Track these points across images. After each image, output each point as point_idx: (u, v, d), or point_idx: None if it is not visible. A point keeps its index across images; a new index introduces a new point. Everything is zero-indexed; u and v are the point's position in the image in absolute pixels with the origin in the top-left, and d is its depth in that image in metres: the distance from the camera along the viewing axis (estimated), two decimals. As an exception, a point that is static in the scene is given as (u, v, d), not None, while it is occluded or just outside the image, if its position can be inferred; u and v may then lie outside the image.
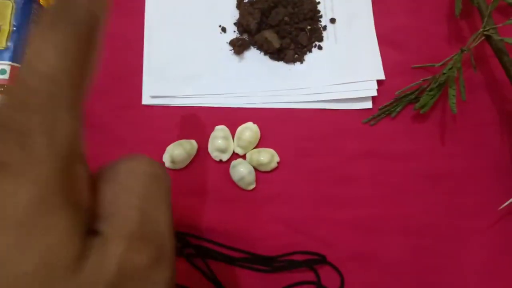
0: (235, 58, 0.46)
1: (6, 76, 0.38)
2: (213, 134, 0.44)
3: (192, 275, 0.40)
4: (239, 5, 0.47)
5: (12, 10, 0.40)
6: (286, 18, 0.46)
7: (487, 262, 0.42)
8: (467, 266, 0.42)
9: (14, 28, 0.39)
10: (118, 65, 0.45)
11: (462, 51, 0.42)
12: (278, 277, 0.40)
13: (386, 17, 0.48)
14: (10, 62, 0.38)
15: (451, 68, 0.42)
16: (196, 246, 0.40)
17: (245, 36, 0.46)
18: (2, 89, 0.38)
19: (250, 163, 0.43)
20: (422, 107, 0.43)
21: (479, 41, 0.43)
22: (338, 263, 0.41)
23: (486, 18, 0.43)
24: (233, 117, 0.44)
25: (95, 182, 0.21)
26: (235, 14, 0.47)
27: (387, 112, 0.45)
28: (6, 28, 0.39)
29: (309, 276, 0.41)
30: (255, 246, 0.41)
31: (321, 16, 0.47)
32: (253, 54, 0.46)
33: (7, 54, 0.39)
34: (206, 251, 0.41)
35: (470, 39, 0.43)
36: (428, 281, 0.41)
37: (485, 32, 0.43)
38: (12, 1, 0.40)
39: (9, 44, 0.39)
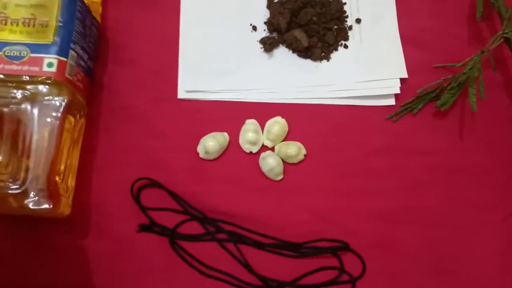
0: (265, 55, 0.48)
1: (53, 69, 0.40)
2: (244, 128, 0.46)
3: (224, 258, 0.43)
4: (270, 4, 0.49)
5: (58, 7, 0.42)
6: (314, 18, 0.48)
7: (501, 253, 0.44)
8: (481, 256, 0.44)
9: (61, 24, 0.41)
10: (155, 60, 0.48)
11: (482, 52, 0.45)
12: (303, 262, 0.43)
13: (409, 17, 0.50)
14: (57, 56, 0.41)
15: (471, 68, 0.45)
16: (228, 231, 0.43)
17: (275, 34, 0.49)
18: (50, 81, 0.40)
19: (278, 155, 0.45)
20: (443, 104, 0.46)
21: (498, 43, 0.45)
22: (359, 250, 0.43)
23: (505, 21, 0.45)
24: (262, 112, 0.47)
25: None
26: (265, 14, 0.49)
27: (409, 109, 0.47)
28: (53, 23, 0.41)
29: (333, 262, 0.43)
30: (282, 233, 0.44)
31: (347, 16, 0.50)
32: (282, 52, 0.49)
33: (54, 48, 0.41)
34: (238, 236, 0.43)
35: (489, 41, 0.46)
36: (444, 269, 0.44)
37: (504, 35, 0.45)
38: (59, -2, 0.42)
39: (56, 39, 0.41)
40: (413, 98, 0.47)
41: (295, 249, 0.44)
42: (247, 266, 0.42)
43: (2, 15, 0.41)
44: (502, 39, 0.45)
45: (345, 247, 0.43)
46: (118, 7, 0.49)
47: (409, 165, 0.46)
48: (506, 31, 0.45)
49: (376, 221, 0.45)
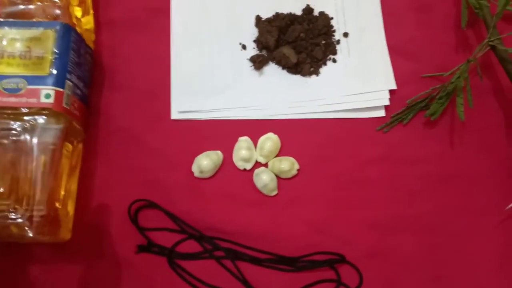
0: (255, 73, 0.49)
1: (51, 100, 0.42)
2: (237, 145, 0.47)
3: (223, 275, 0.44)
4: (258, 23, 0.50)
5: (53, 39, 0.44)
6: (302, 34, 0.49)
7: (494, 258, 0.45)
8: (475, 262, 0.45)
9: (56, 56, 0.43)
10: (148, 81, 0.49)
11: (468, 61, 0.45)
12: (301, 276, 0.44)
13: (396, 28, 0.51)
14: (54, 87, 0.42)
15: (458, 78, 0.45)
16: (225, 249, 0.44)
17: (264, 52, 0.50)
18: (48, 112, 0.42)
19: (272, 171, 0.46)
20: (432, 114, 0.46)
21: (484, 51, 0.46)
22: (355, 261, 0.44)
23: (491, 29, 0.45)
24: (255, 128, 0.48)
25: None
26: (254, 32, 0.50)
27: (399, 120, 0.48)
28: (49, 55, 0.43)
29: (330, 274, 0.44)
30: (279, 247, 0.44)
31: (334, 31, 0.51)
32: (272, 69, 0.50)
33: (50, 80, 0.42)
34: (234, 253, 0.44)
35: (476, 49, 0.46)
36: (440, 276, 0.44)
37: (490, 43, 0.45)
38: (53, 31, 0.44)
39: (52, 70, 0.43)
40: (403, 109, 0.48)
41: (292, 264, 0.44)
42: (245, 282, 0.43)
43: (-1, 49, 0.43)
44: (488, 47, 0.46)
45: (342, 259, 0.44)
46: (110, 32, 0.51)
47: (401, 174, 0.47)
48: (492, 39, 0.45)
49: (371, 230, 0.45)
